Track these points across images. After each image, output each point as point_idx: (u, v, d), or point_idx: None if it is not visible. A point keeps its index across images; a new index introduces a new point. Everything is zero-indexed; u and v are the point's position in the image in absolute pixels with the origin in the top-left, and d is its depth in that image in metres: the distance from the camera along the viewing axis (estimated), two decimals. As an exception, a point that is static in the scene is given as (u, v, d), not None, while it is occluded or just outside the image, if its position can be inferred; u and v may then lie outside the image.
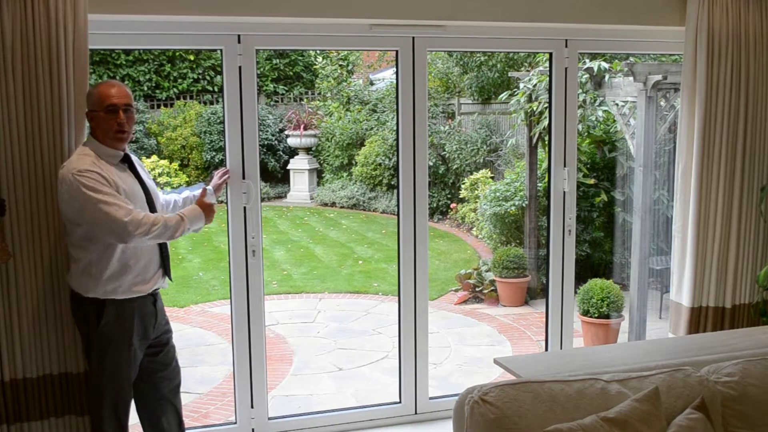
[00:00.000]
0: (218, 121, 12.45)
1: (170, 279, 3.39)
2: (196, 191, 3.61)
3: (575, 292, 4.63)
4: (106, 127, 3.13)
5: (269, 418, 4.16)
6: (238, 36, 3.82)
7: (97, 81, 12.97)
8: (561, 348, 4.53)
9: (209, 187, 3.64)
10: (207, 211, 3.27)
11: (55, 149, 3.28)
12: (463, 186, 10.01)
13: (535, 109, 7.48)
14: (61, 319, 3.39)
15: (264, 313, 4.09)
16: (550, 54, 4.33)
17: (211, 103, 13.75)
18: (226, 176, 3.85)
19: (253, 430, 4.11)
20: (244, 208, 3.95)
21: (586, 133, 7.66)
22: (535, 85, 7.44)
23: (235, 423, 4.11)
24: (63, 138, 3.29)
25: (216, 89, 13.94)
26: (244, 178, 3.92)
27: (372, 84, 13.96)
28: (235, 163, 3.91)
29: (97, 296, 3.12)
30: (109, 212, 2.97)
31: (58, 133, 3.28)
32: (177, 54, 13.72)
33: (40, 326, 3.37)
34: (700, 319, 4.35)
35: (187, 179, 12.14)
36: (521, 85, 7.69)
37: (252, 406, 4.10)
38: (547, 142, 5.50)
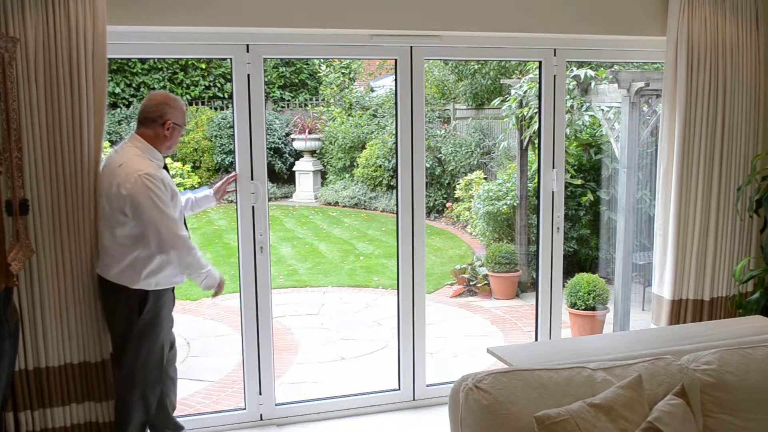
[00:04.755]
0: (228, 125, 12.43)
1: None
2: (198, 193, 3.69)
3: (563, 286, 4.63)
4: (176, 140, 3.29)
5: (276, 404, 4.16)
6: (247, 46, 3.82)
7: (114, 88, 13.01)
8: (550, 338, 4.53)
9: (211, 191, 3.70)
10: (220, 284, 3.37)
11: (75, 152, 3.28)
12: (458, 186, 10.00)
13: (525, 114, 7.47)
14: (82, 312, 3.39)
15: (271, 306, 4.09)
16: (540, 62, 4.33)
17: (222, 108, 13.73)
18: (232, 180, 3.86)
19: (261, 415, 4.12)
20: (253, 207, 3.95)
21: (573, 137, 7.66)
22: (526, 91, 7.43)
23: (245, 409, 4.12)
24: (83, 142, 3.29)
25: (226, 96, 13.91)
26: (252, 179, 3.92)
27: (372, 91, 13.93)
28: (244, 165, 3.91)
29: (142, 287, 3.18)
30: (169, 225, 3.09)
31: (78, 138, 3.28)
32: (189, 62, 13.70)
33: (61, 318, 3.38)
34: (680, 311, 4.36)
35: (199, 180, 12.13)
36: (512, 92, 7.68)
37: (260, 393, 4.10)
38: (536, 145, 5.50)
